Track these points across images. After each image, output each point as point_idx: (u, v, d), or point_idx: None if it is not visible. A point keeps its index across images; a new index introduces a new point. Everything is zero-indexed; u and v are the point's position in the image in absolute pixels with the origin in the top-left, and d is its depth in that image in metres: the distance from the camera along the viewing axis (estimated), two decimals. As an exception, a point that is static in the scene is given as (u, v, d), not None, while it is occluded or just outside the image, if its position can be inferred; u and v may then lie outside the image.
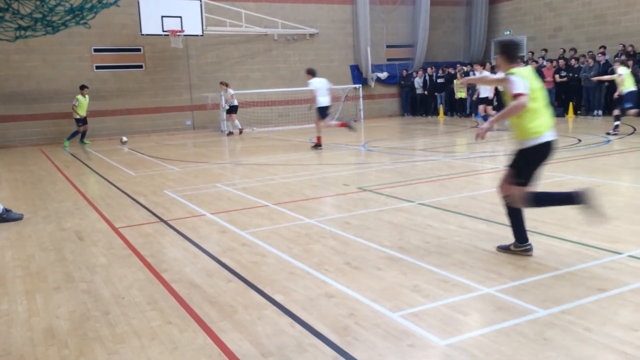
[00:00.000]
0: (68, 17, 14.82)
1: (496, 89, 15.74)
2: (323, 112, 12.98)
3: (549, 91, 19.31)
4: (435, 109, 22.96)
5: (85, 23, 15.33)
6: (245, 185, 8.72)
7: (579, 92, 18.97)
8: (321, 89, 12.88)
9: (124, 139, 17.17)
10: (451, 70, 22.34)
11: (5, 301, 4.22)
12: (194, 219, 6.61)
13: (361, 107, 22.46)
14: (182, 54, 20.07)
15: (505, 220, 4.76)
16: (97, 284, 4.48)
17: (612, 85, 15.25)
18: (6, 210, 6.95)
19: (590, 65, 18.11)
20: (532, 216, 5.82)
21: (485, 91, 15.79)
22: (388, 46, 24.12)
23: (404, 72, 23.81)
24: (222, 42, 20.79)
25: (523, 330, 3.28)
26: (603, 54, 18.26)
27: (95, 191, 8.99)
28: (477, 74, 15.65)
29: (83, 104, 17.02)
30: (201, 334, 3.47)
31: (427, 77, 22.88)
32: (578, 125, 15.97)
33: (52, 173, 11.33)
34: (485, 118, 15.59)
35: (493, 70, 20.75)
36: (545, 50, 20.95)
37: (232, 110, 18.68)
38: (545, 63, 19.71)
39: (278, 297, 3.99)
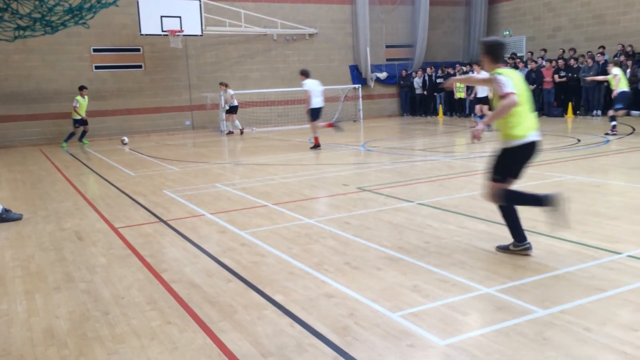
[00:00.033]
0: (67, 17, 14.81)
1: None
2: (316, 113, 12.99)
3: (548, 91, 19.37)
4: (434, 109, 22.98)
5: (84, 23, 15.32)
6: (244, 185, 8.72)
7: (578, 92, 18.98)
8: (315, 90, 12.89)
9: (125, 139, 17.17)
10: (450, 71, 22.35)
11: (5, 301, 4.22)
12: (194, 219, 6.61)
13: (360, 107, 22.47)
14: (181, 54, 20.07)
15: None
16: (97, 284, 4.48)
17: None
18: (6, 210, 6.95)
19: (590, 65, 18.12)
20: (531, 216, 5.82)
21: (483, 91, 15.79)
22: (387, 46, 24.13)
23: (404, 72, 23.83)
24: (221, 42, 20.79)
25: (523, 330, 3.28)
26: (602, 54, 18.28)
27: (95, 191, 8.99)
28: (476, 74, 15.65)
29: (83, 105, 17.03)
30: (201, 334, 3.47)
31: (427, 77, 22.89)
32: (577, 125, 15.98)
33: (51, 173, 11.33)
34: (482, 118, 15.60)
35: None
36: (545, 50, 20.96)
37: (232, 110, 18.69)
38: (544, 63, 19.73)
39: (278, 297, 3.99)
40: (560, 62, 19.30)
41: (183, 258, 5.08)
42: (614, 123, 12.69)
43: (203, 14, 19.21)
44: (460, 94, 21.38)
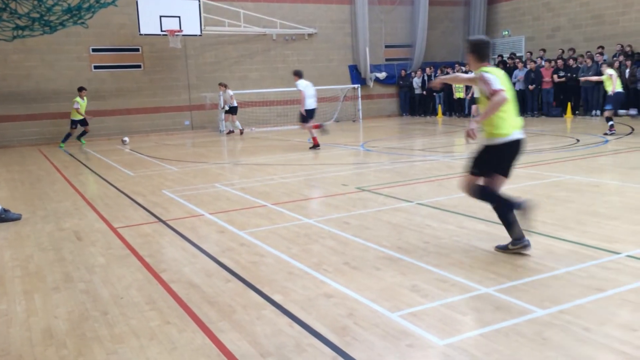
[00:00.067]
0: (65, 17, 14.80)
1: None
2: (310, 114, 13.00)
3: (547, 91, 19.39)
4: (433, 109, 22.98)
5: (83, 23, 15.31)
6: (244, 185, 8.71)
7: (578, 92, 18.99)
8: (309, 91, 12.90)
9: (126, 139, 17.15)
10: (450, 70, 22.35)
11: (4, 301, 4.21)
12: (193, 219, 6.61)
13: (360, 107, 22.48)
14: (180, 53, 20.06)
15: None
16: (96, 284, 4.48)
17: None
18: (4, 210, 6.94)
19: (589, 65, 18.13)
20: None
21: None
22: (387, 46, 24.14)
23: (403, 72, 23.83)
24: (220, 42, 20.78)
25: (522, 330, 3.28)
26: (601, 54, 18.29)
27: (94, 191, 8.99)
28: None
29: (82, 106, 17.02)
30: (200, 334, 3.47)
31: (426, 77, 22.90)
32: (576, 125, 15.99)
33: (50, 173, 11.32)
34: None
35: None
36: (544, 50, 20.97)
37: (232, 111, 18.68)
38: (543, 63, 19.75)
39: (277, 297, 3.98)
40: (560, 62, 19.32)
41: (182, 258, 5.08)
42: (611, 123, 12.71)
43: (202, 14, 19.21)
44: (459, 94, 21.40)
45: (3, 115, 18.00)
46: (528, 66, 19.75)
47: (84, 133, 17.48)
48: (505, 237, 4.82)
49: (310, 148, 13.06)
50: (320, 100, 21.67)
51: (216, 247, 5.35)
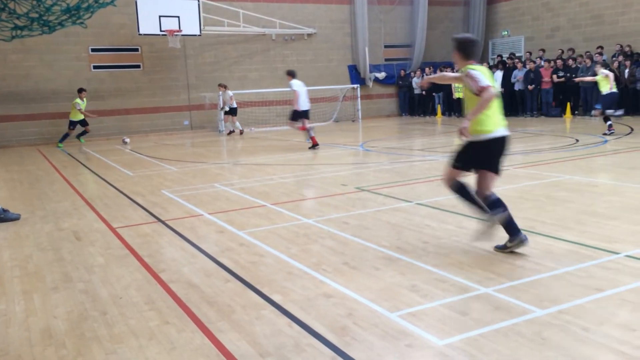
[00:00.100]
0: (64, 17, 14.79)
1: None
2: (305, 115, 13.00)
3: (547, 91, 19.39)
4: (433, 109, 22.99)
5: (82, 23, 15.30)
6: (243, 185, 8.71)
7: (577, 92, 19.00)
8: (302, 91, 12.91)
9: (127, 139, 17.13)
10: (449, 71, 22.37)
11: (3, 301, 4.21)
12: (192, 219, 6.61)
13: (359, 107, 22.47)
14: (179, 53, 20.05)
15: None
16: (95, 284, 4.48)
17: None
18: (3, 210, 6.94)
19: (588, 65, 18.13)
20: (529, 216, 5.83)
21: None
22: (386, 46, 24.14)
23: (402, 72, 23.83)
24: (220, 42, 20.78)
25: (521, 330, 3.28)
26: (600, 54, 18.29)
27: (93, 191, 8.98)
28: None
29: (82, 107, 17.03)
30: (199, 334, 3.46)
31: (425, 77, 22.89)
32: (575, 125, 16.00)
33: (49, 173, 11.31)
34: None
35: (491, 69, 20.82)
36: (543, 50, 20.98)
37: (232, 112, 18.68)
38: (543, 63, 19.75)
39: (276, 297, 3.98)
40: (559, 62, 19.33)
41: (181, 258, 5.07)
42: (609, 122, 12.72)
43: (201, 14, 19.20)
44: (458, 94, 21.38)
45: (2, 115, 17.98)
46: (527, 66, 19.75)
47: (84, 132, 17.48)
48: (504, 237, 4.81)
49: (310, 148, 13.06)
50: (319, 100, 21.87)
51: (215, 247, 5.34)
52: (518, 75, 19.91)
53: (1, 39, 14.92)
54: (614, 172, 8.49)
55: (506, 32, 23.92)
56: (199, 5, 19.03)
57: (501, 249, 4.75)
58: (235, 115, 18.73)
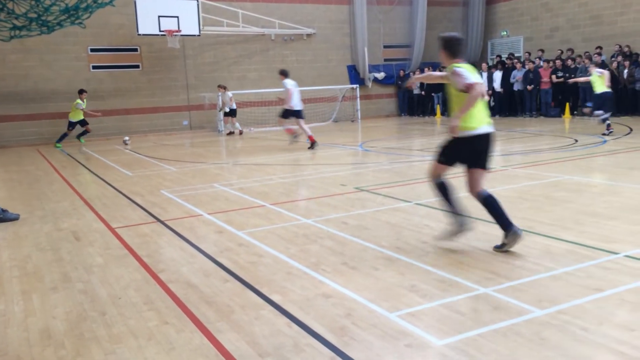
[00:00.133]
0: (63, 17, 14.78)
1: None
2: (298, 114, 13.00)
3: (546, 91, 19.39)
4: (432, 109, 22.99)
5: (81, 23, 15.29)
6: (242, 186, 8.71)
7: (576, 92, 18.99)
8: (296, 90, 12.91)
9: (127, 140, 17.12)
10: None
11: (2, 301, 4.21)
12: (191, 219, 6.61)
13: (358, 107, 22.47)
14: (179, 54, 20.04)
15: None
16: (94, 284, 4.47)
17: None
18: (3, 211, 6.94)
19: (587, 65, 18.13)
20: (528, 216, 5.84)
21: None
22: (385, 46, 24.14)
23: (401, 73, 23.84)
24: (219, 42, 20.77)
25: (520, 330, 3.28)
26: (599, 54, 18.30)
27: (92, 191, 8.97)
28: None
29: (84, 108, 17.03)
30: (198, 334, 3.46)
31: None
32: (575, 125, 16.01)
33: (48, 173, 11.30)
34: None
35: (490, 69, 20.83)
36: (542, 50, 20.98)
37: (231, 113, 18.67)
38: (542, 63, 19.75)
39: (275, 298, 3.98)
40: (558, 62, 19.33)
41: (180, 258, 5.07)
42: (607, 122, 12.73)
43: (201, 14, 19.19)
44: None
45: (1, 115, 17.97)
46: (526, 66, 19.76)
47: (84, 132, 17.48)
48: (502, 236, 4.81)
49: (309, 148, 13.06)
50: (319, 100, 21.90)
51: (214, 247, 5.34)
52: (517, 75, 19.91)
53: (0, 39, 14.91)
54: (613, 173, 8.50)
55: (505, 33, 23.93)
56: (198, 5, 19.02)
57: (500, 248, 4.76)
58: (235, 116, 18.73)
